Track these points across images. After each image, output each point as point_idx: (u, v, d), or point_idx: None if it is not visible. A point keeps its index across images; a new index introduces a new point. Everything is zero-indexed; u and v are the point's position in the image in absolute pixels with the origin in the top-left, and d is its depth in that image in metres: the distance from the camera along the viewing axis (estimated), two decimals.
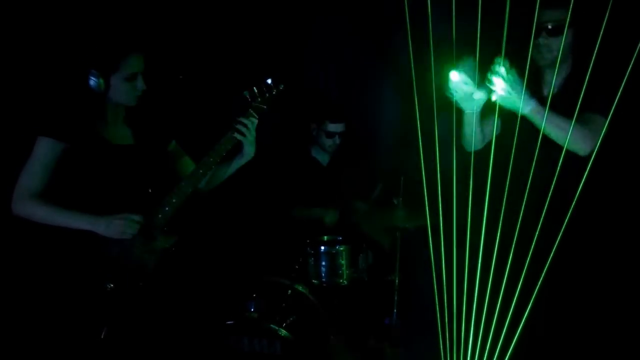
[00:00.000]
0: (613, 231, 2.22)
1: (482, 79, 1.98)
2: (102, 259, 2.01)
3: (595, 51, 1.64)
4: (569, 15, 2.06)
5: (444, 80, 1.99)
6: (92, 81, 1.98)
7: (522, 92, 1.95)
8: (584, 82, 1.87)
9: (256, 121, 2.18)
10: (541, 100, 2.09)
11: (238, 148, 2.21)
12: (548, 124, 1.99)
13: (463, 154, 1.89)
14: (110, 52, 1.98)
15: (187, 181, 2.13)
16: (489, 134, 2.28)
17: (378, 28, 3.39)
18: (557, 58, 2.14)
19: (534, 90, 2.10)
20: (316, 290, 2.90)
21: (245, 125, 2.15)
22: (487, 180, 1.77)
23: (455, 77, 1.98)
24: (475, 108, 2.12)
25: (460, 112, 2.16)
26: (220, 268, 3.09)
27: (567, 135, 1.96)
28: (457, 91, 2.03)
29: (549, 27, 2.12)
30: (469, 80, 1.99)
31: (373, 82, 3.59)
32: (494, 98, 1.97)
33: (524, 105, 1.97)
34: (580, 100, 1.78)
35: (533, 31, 2.06)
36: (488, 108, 2.13)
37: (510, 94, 1.95)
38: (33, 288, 2.39)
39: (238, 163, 2.26)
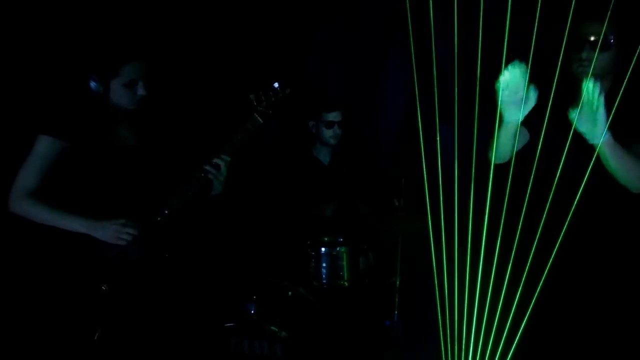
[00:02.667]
0: (616, 233, 2.21)
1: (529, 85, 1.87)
2: (98, 260, 2.01)
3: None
4: (612, 30, 2.00)
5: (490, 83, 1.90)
6: (92, 85, 1.98)
7: (605, 121, 1.84)
8: (629, 104, 1.82)
9: (229, 158, 2.15)
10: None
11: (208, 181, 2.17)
12: (614, 159, 1.92)
13: (465, 157, 1.87)
14: (110, 58, 1.98)
15: (187, 184, 2.12)
16: (519, 146, 2.18)
17: (378, 27, 3.39)
18: (598, 74, 2.02)
19: (570, 105, 1.98)
20: (317, 292, 2.89)
21: (216, 167, 2.12)
22: (489, 182, 1.77)
23: (507, 77, 1.86)
24: (520, 117, 1.98)
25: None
26: (220, 270, 3.09)
27: (633, 174, 1.92)
28: (503, 96, 1.91)
29: (592, 40, 2.02)
30: (520, 85, 1.88)
31: (374, 84, 3.59)
32: (572, 117, 1.84)
33: (599, 134, 1.85)
34: (621, 121, 1.73)
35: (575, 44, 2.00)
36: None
37: (594, 120, 1.84)
38: (28, 288, 2.38)
39: (209, 194, 2.23)
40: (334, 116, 3.24)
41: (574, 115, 1.85)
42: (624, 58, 2.00)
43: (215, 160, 2.12)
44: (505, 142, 2.12)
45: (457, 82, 1.75)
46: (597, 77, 2.07)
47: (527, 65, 1.79)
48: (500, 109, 1.97)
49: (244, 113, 2.18)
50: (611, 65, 2.09)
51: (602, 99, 1.82)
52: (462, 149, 1.80)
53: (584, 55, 2.05)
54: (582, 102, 1.84)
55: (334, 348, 2.81)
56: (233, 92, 3.05)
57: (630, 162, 1.95)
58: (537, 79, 1.86)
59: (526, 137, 2.18)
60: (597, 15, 2.01)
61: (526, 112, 1.96)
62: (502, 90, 1.90)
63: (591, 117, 1.84)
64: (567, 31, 1.78)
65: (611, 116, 1.77)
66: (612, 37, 2.03)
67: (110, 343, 2.01)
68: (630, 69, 1.67)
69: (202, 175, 2.12)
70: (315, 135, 3.32)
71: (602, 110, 1.83)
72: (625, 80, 1.74)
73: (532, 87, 1.89)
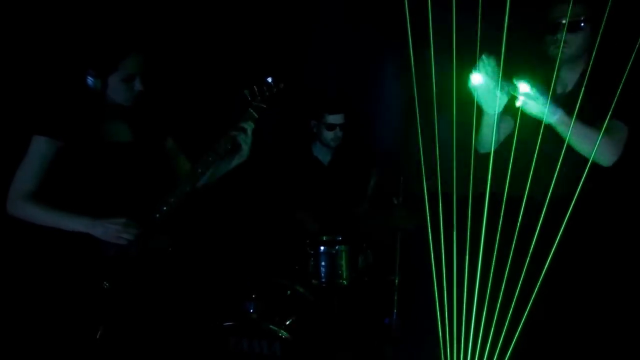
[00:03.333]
0: (613, 231, 2.21)
1: (504, 78, 1.93)
2: (98, 258, 2.01)
3: (611, 50, 1.61)
4: (584, 10, 2.06)
5: (464, 79, 1.95)
6: (90, 81, 1.97)
7: (547, 100, 1.91)
8: (600, 81, 1.86)
9: (253, 125, 2.17)
10: (556, 98, 2.07)
11: (235, 148, 2.20)
12: (574, 135, 1.96)
13: (464, 153, 1.88)
14: (108, 53, 1.97)
15: (185, 180, 2.12)
16: (503, 135, 2.26)
17: (377, 26, 3.38)
18: (574, 54, 2.11)
19: (547, 86, 2.07)
20: (316, 291, 2.89)
21: (244, 130, 2.14)
22: (487, 180, 1.77)
23: (477, 80, 1.94)
24: (497, 109, 2.05)
25: (461, 113, 2.13)
26: (219, 268, 3.08)
27: (593, 147, 1.93)
28: (479, 90, 1.98)
29: (568, 22, 2.07)
30: (490, 80, 1.94)
31: (373, 81, 3.59)
32: (518, 104, 1.92)
33: (549, 114, 1.94)
34: (594, 99, 1.76)
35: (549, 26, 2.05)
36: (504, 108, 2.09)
37: (536, 101, 1.91)
38: (29, 286, 2.38)
39: (234, 163, 2.25)
40: (336, 119, 3.23)
41: (519, 102, 1.93)
42: (598, 39, 2.04)
43: (242, 123, 2.14)
44: (487, 132, 2.16)
45: (455, 76, 1.76)
46: (572, 58, 2.14)
47: (496, 58, 1.81)
48: (477, 102, 2.02)
49: (239, 108, 2.19)
50: (585, 45, 2.14)
51: (496, 70, 1.88)
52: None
53: (559, 36, 2.10)
54: (519, 85, 1.91)
55: (333, 346, 2.81)
56: (228, 88, 3.05)
57: (589, 133, 1.98)
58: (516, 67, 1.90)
59: (511, 125, 2.20)
60: None
61: (503, 104, 2.01)
62: (475, 87, 1.96)
63: (532, 97, 1.91)
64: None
65: (581, 95, 1.82)
66: (583, 18, 2.08)
67: (111, 341, 2.01)
68: (595, 48, 1.70)
69: (226, 144, 2.13)
70: (316, 135, 3.32)
71: (540, 91, 1.90)
72: (591, 61, 1.82)
73: (505, 81, 1.93)
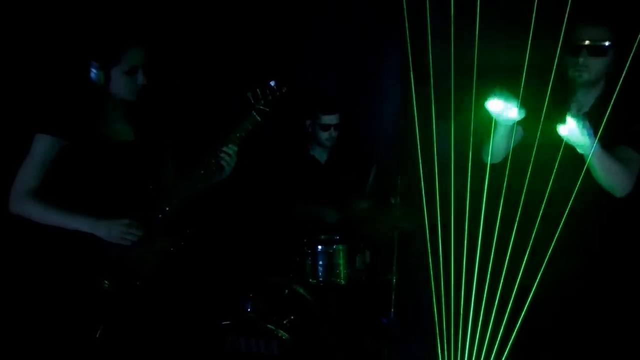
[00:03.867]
0: (612, 229, 2.22)
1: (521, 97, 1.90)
2: (100, 258, 2.00)
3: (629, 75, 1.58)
4: (609, 35, 2.01)
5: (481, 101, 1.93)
6: (93, 74, 1.96)
7: (593, 135, 1.86)
8: (618, 109, 1.83)
9: (236, 148, 2.16)
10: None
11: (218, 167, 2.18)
12: (601, 168, 1.94)
13: (461, 153, 1.88)
14: (111, 44, 1.97)
15: (188, 181, 2.12)
16: (514, 144, 2.23)
17: (376, 25, 3.38)
18: (593, 79, 2.07)
19: (561, 106, 2.04)
20: (313, 290, 2.89)
21: (228, 154, 2.14)
22: (485, 179, 1.77)
23: (496, 107, 1.92)
24: (513, 122, 2.03)
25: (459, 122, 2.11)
26: (217, 268, 3.08)
27: (617, 182, 1.95)
28: (495, 109, 1.95)
29: (590, 45, 2.02)
30: (509, 101, 1.92)
31: (370, 81, 3.59)
32: (561, 132, 1.87)
33: (588, 145, 1.88)
34: (609, 125, 1.74)
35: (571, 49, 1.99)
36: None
37: (582, 135, 1.86)
38: (30, 285, 2.38)
39: (214, 180, 2.22)
40: (331, 119, 3.23)
41: (563, 130, 1.87)
42: (618, 62, 2.01)
43: (225, 148, 2.14)
44: (500, 143, 2.14)
45: (453, 80, 1.76)
46: (591, 82, 2.09)
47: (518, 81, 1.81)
48: (494, 117, 1.99)
49: (242, 110, 2.19)
50: (606, 70, 2.09)
51: (585, 119, 1.84)
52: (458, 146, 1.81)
53: (581, 60, 2.04)
54: (569, 123, 1.85)
55: (330, 346, 2.81)
56: (231, 90, 3.05)
57: (615, 168, 1.96)
58: (533, 82, 1.87)
59: (520, 134, 2.19)
60: (595, 19, 2.01)
61: (519, 119, 1.98)
62: (492, 111, 1.94)
63: (579, 134, 1.86)
64: (562, 35, 1.80)
65: (603, 124, 1.78)
66: (609, 42, 2.02)
67: (112, 340, 2.01)
68: (623, 75, 1.67)
69: (213, 161, 2.13)
70: (312, 134, 3.32)
71: (588, 128, 1.84)
72: (619, 86, 1.75)
73: (519, 106, 1.92)
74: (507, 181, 1.78)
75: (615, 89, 1.75)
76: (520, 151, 2.03)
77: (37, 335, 2.24)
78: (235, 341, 2.62)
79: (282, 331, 2.59)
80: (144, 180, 2.10)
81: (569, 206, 1.73)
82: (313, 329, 2.78)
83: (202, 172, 2.13)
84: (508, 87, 1.90)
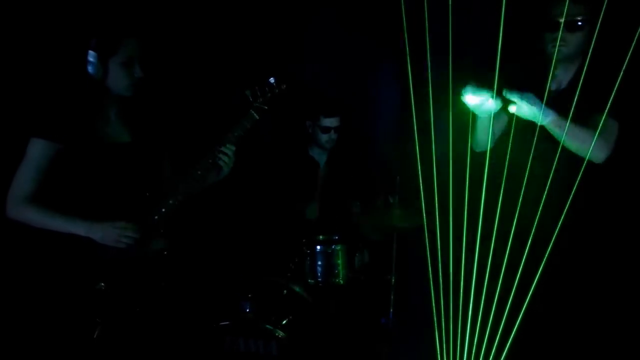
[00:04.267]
0: (612, 228, 2.22)
1: (497, 88, 1.96)
2: (97, 259, 2.00)
3: (605, 49, 1.63)
4: (585, 10, 2.08)
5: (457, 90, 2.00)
6: (91, 66, 1.96)
7: (541, 105, 1.96)
8: (594, 80, 1.87)
9: (234, 148, 2.17)
10: (548, 94, 2.08)
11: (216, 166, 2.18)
12: (569, 136, 1.99)
13: (459, 152, 1.89)
14: (108, 33, 1.97)
15: (184, 182, 2.12)
16: (498, 132, 2.29)
17: (376, 25, 3.38)
18: (571, 53, 2.14)
19: (540, 83, 2.09)
20: (312, 290, 2.89)
21: (226, 154, 2.14)
22: (483, 178, 1.77)
23: (471, 100, 2.00)
24: (490, 113, 2.10)
25: (458, 114, 2.14)
26: (215, 268, 3.08)
27: (587, 146, 1.97)
28: (471, 102, 2.03)
29: (567, 21, 2.08)
30: (482, 94, 2.00)
31: (370, 81, 3.59)
32: (512, 110, 1.98)
33: (543, 117, 1.98)
34: (586, 97, 1.78)
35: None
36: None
37: (529, 107, 1.96)
38: (27, 287, 2.37)
39: (213, 179, 2.23)
40: (331, 122, 3.22)
41: (513, 109, 1.99)
42: (593, 39, 2.05)
43: (223, 148, 2.14)
44: (483, 133, 2.20)
45: (451, 75, 1.76)
46: (570, 57, 2.17)
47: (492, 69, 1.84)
48: (471, 110, 2.06)
49: (240, 109, 2.18)
50: (582, 45, 2.17)
51: (520, 92, 1.95)
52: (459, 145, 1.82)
53: (557, 35, 2.11)
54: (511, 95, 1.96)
55: (329, 346, 2.81)
56: (229, 88, 3.04)
57: (583, 135, 2.02)
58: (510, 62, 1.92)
59: (505, 121, 2.23)
60: None
61: (496, 109, 2.06)
62: (464, 98, 2.02)
63: (524, 108, 1.96)
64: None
65: (577, 93, 1.85)
66: (583, 17, 2.10)
67: (108, 342, 2.00)
68: (592, 47, 1.71)
69: (211, 160, 2.13)
70: (311, 135, 3.32)
71: (528, 98, 1.95)
72: (588, 58, 1.84)
73: (495, 97, 1.99)
74: (493, 169, 1.80)
75: (592, 63, 1.84)
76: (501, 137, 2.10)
77: (34, 337, 2.24)
78: (234, 341, 2.61)
79: (280, 331, 2.59)
80: (140, 182, 2.10)
81: (572, 194, 1.74)
82: (312, 329, 2.78)
83: (200, 172, 2.13)
84: (483, 77, 1.96)
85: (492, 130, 2.20)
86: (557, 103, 2.02)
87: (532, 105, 1.96)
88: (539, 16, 2.15)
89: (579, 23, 2.11)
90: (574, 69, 2.24)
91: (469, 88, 2.00)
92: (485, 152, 2.08)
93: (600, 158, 2.08)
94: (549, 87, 2.19)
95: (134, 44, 2.00)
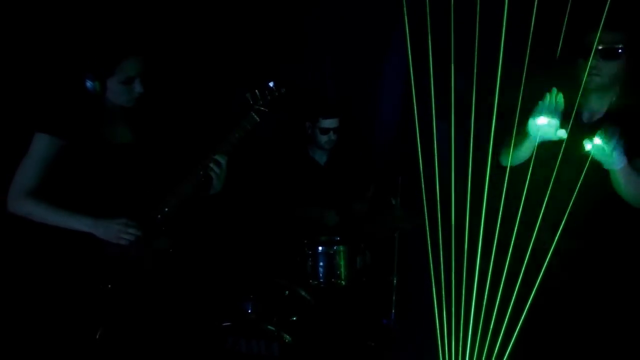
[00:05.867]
0: (613, 231, 2.21)
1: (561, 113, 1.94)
2: (100, 259, 2.00)
3: None
4: (622, 39, 2.01)
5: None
6: (89, 84, 1.97)
7: (620, 152, 1.88)
8: (631, 112, 1.84)
9: (225, 159, 2.15)
10: (581, 125, 2.04)
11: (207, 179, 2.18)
12: (625, 182, 1.94)
13: (461, 156, 1.88)
14: (104, 57, 1.96)
15: (187, 182, 2.12)
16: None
17: (376, 26, 3.38)
18: (606, 83, 2.06)
19: (575, 113, 2.01)
20: (314, 291, 2.89)
21: (217, 164, 2.13)
22: (485, 180, 1.77)
23: (543, 122, 1.95)
24: (551, 138, 2.02)
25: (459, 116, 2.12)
26: (217, 269, 3.08)
27: (635, 193, 1.94)
28: (540, 123, 1.98)
29: (603, 49, 2.01)
30: (553, 120, 1.95)
31: (371, 82, 3.59)
32: (588, 148, 1.89)
33: (616, 163, 1.90)
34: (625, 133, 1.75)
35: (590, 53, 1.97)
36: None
37: (608, 152, 1.87)
38: (29, 286, 2.37)
39: (206, 193, 2.23)
40: (330, 123, 3.22)
41: (590, 147, 1.89)
42: (631, 67, 2.02)
43: (216, 157, 2.13)
44: (524, 151, 2.14)
45: (453, 79, 1.76)
46: (604, 86, 2.08)
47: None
48: (530, 131, 2.01)
49: (241, 111, 2.19)
50: (619, 74, 2.08)
51: (616, 141, 1.85)
52: (460, 147, 1.81)
53: (593, 63, 2.02)
54: (598, 145, 1.87)
55: (331, 347, 2.81)
56: (230, 90, 3.05)
57: (636, 181, 1.95)
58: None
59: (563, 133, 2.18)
60: (607, 23, 2.00)
61: (563, 138, 1.99)
62: (534, 124, 1.97)
63: (607, 153, 1.88)
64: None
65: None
66: (621, 46, 2.02)
67: (112, 341, 2.01)
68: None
69: (202, 172, 2.12)
70: (311, 136, 3.32)
71: (618, 150, 1.86)
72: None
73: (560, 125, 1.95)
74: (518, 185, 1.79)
75: (628, 96, 1.78)
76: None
77: (36, 337, 2.24)
78: (236, 342, 2.62)
79: (283, 332, 2.59)
80: (143, 181, 2.10)
81: (569, 207, 1.73)
82: (314, 330, 2.78)
83: (191, 185, 2.11)
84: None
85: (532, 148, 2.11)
86: (588, 133, 1.93)
87: (613, 150, 1.86)
88: (576, 42, 2.06)
89: (617, 52, 2.01)
90: (608, 100, 2.13)
91: (544, 109, 1.95)
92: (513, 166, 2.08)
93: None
94: (581, 118, 2.14)
95: (132, 64, 1.98)
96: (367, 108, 3.62)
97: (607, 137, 1.85)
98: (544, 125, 1.96)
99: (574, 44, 2.03)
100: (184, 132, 2.35)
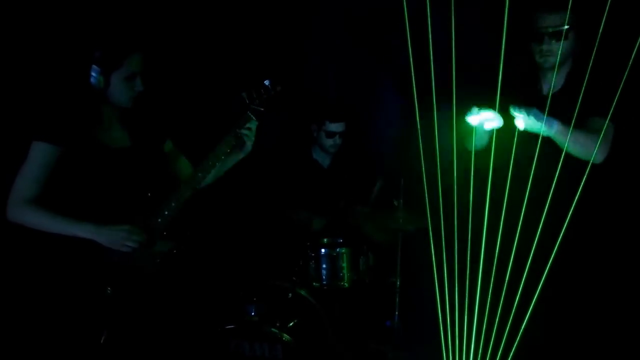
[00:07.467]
0: (614, 232, 2.21)
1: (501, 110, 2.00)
2: (102, 263, 2.00)
3: (595, 51, 1.64)
4: (568, 19, 2.12)
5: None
6: (93, 78, 1.97)
7: (544, 118, 1.99)
8: (588, 83, 1.87)
9: (257, 122, 2.19)
10: (541, 99, 2.09)
11: (239, 144, 2.21)
12: (572, 142, 2.01)
13: (464, 156, 1.89)
14: (116, 49, 1.97)
15: (186, 185, 2.12)
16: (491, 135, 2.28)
17: (377, 27, 3.38)
18: (559, 62, 2.16)
19: (534, 88, 2.11)
20: (317, 293, 2.89)
21: (248, 129, 2.17)
22: (488, 181, 1.77)
23: (475, 121, 2.05)
24: (494, 129, 2.11)
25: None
26: (220, 271, 3.08)
27: (589, 150, 2.00)
28: (475, 122, 2.08)
29: (551, 32, 2.15)
30: (486, 113, 2.05)
31: (373, 83, 3.59)
32: (518, 125, 2.02)
33: (548, 129, 2.02)
34: (581, 100, 1.79)
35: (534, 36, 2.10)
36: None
37: (534, 121, 2.00)
38: (33, 291, 2.38)
39: (236, 158, 2.25)
40: (337, 127, 3.23)
41: (519, 124, 2.02)
42: (582, 42, 2.17)
43: (246, 125, 2.17)
44: (479, 140, 2.23)
45: (455, 83, 1.76)
46: (558, 64, 2.21)
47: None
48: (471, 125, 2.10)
49: (238, 111, 2.19)
50: (570, 51, 2.22)
51: (528, 109, 1.99)
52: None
53: (545, 47, 2.18)
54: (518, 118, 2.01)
55: (334, 349, 2.81)
56: (226, 91, 3.05)
57: (583, 139, 2.07)
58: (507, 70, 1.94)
59: (500, 121, 2.23)
60: (554, 6, 2.13)
61: (499, 127, 2.09)
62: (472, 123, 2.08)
63: (532, 124, 2.01)
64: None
65: (579, 96, 1.85)
66: (567, 27, 2.14)
67: (116, 346, 2.01)
68: (594, 53, 1.72)
69: (201, 174, 2.14)
70: (316, 139, 3.32)
71: (535, 114, 1.99)
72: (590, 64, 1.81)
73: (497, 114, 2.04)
74: (496, 172, 1.81)
75: (583, 66, 1.84)
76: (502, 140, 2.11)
77: (40, 342, 2.24)
78: (239, 345, 2.61)
79: (286, 335, 2.58)
80: (142, 185, 2.10)
81: (577, 198, 1.74)
82: (317, 332, 2.78)
83: (210, 163, 2.14)
84: (485, 96, 1.98)
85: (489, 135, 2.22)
86: (551, 107, 2.02)
87: (537, 119, 2.00)
88: (527, 27, 2.21)
89: (564, 33, 2.14)
90: (564, 72, 2.29)
91: (473, 110, 2.05)
92: (489, 154, 2.10)
93: (599, 159, 2.12)
94: (542, 92, 2.28)
95: (137, 59, 2.01)
96: (369, 110, 3.62)
97: (517, 110, 2.00)
98: (480, 123, 2.07)
99: (524, 29, 2.18)
100: (182, 135, 2.35)
